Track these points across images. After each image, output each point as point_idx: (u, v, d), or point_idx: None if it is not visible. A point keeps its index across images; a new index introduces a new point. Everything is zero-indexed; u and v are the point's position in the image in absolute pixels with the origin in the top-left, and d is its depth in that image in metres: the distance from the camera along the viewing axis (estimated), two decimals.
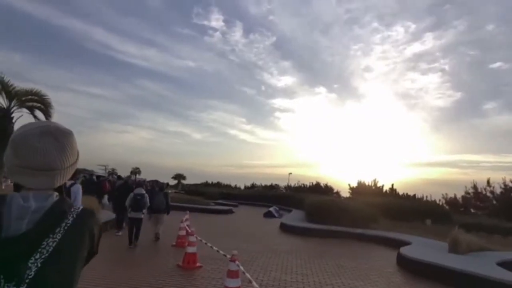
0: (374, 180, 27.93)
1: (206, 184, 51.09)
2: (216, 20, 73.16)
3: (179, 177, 74.91)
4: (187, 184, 59.31)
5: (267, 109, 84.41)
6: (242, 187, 47.57)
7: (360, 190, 27.60)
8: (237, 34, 73.91)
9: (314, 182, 35.65)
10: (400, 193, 27.55)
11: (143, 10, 73.17)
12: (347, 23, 67.14)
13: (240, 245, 9.30)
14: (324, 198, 19.87)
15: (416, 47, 62.79)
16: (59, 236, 0.83)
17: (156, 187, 11.70)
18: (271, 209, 20.92)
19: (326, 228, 12.44)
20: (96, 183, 13.59)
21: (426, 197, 23.11)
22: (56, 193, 0.91)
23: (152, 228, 9.19)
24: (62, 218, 0.87)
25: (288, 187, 41.31)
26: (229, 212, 20.84)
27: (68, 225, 0.86)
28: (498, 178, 22.46)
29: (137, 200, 8.07)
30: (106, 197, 12.68)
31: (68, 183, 6.08)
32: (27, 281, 0.76)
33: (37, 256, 0.79)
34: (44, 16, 67.16)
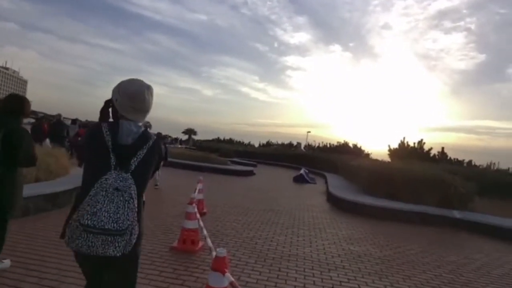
0: (420, 142, 23.33)
1: (218, 141, 47.85)
2: None
3: (190, 132, 71.82)
4: (198, 140, 56.18)
5: (279, 67, 78.53)
6: (256, 145, 44.25)
7: (402, 153, 23.14)
8: None
9: (342, 142, 31.22)
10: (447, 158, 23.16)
11: None
12: None
13: (293, 242, 5.21)
14: (381, 162, 15.86)
15: (442, 3, 54.23)
16: (145, 150, 1.61)
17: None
18: (301, 172, 16.91)
19: (408, 209, 8.31)
20: (37, 126, 11.02)
21: (494, 164, 18.68)
22: (143, 124, 1.75)
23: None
24: (147, 140, 1.65)
25: (308, 147, 37.45)
26: (250, 174, 17.00)
27: (150, 144, 1.64)
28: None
29: None
30: (47, 140, 10.81)
31: None
32: (130, 171, 1.53)
33: (135, 159, 1.57)
34: None
